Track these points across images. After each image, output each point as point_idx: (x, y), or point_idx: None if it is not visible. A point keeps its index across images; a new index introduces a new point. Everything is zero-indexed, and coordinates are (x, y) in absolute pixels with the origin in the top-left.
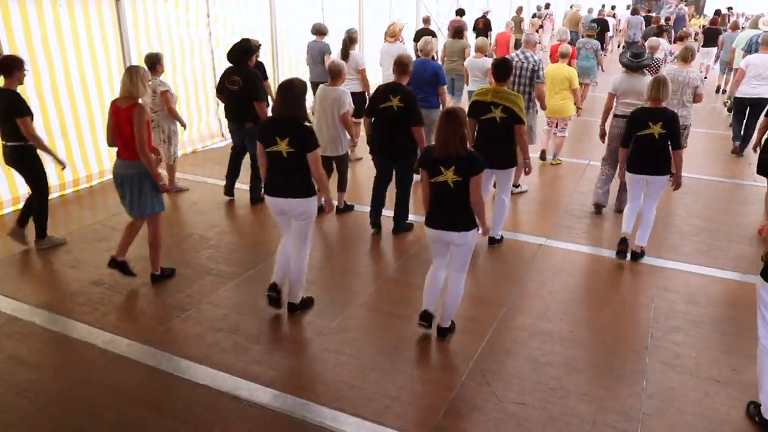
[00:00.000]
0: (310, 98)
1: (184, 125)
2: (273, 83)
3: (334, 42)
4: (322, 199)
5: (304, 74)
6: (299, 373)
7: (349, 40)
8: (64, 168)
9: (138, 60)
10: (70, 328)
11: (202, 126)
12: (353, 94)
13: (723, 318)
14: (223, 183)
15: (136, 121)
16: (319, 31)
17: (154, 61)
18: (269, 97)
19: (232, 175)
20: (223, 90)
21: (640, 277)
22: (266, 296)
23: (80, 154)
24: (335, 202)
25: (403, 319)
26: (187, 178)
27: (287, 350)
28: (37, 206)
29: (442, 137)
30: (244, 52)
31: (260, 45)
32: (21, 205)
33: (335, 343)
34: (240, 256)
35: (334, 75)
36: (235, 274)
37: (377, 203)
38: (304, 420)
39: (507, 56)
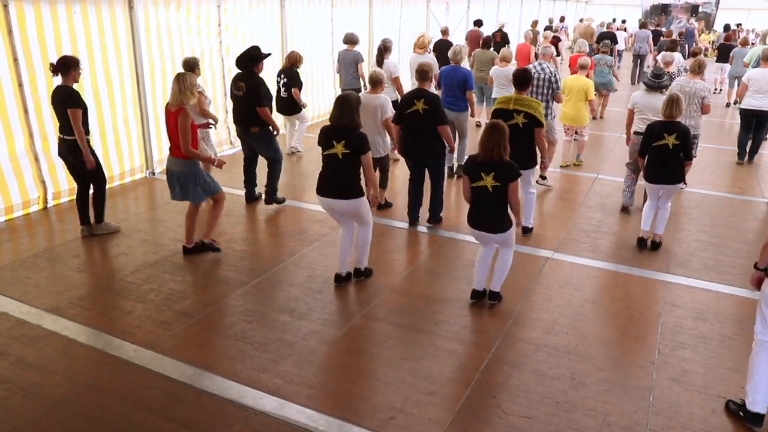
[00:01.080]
0: None
1: (215, 121)
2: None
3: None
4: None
5: (315, 82)
6: (305, 382)
7: (384, 49)
8: (88, 168)
9: (149, 67)
10: (77, 332)
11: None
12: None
13: (731, 335)
14: (232, 191)
15: (180, 124)
16: (351, 40)
17: (192, 65)
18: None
19: (250, 182)
20: (231, 95)
21: (648, 292)
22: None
23: None
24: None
25: (408, 330)
26: None
27: (293, 359)
28: (96, 193)
29: (487, 145)
30: (251, 59)
31: (302, 58)
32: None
33: (341, 352)
34: (248, 263)
35: (375, 83)
36: (242, 281)
37: (415, 201)
38: (308, 429)
39: (527, 67)
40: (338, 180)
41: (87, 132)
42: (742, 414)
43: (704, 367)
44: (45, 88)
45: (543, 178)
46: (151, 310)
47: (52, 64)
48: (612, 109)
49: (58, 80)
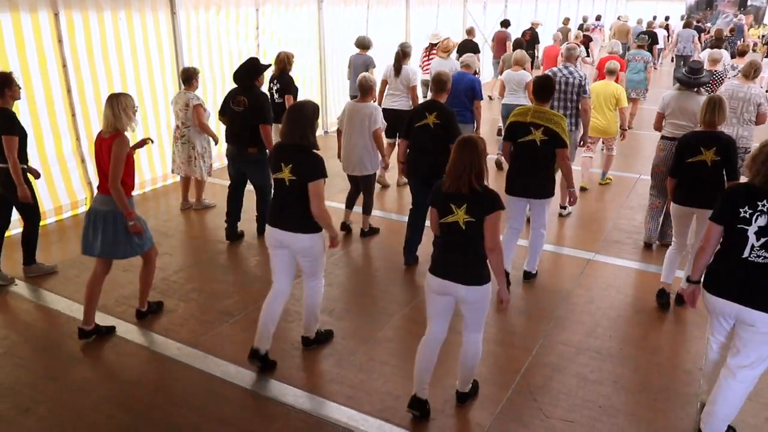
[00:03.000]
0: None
1: (216, 140)
2: (321, 96)
3: (380, 56)
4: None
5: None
6: (345, 381)
7: (402, 54)
8: (38, 177)
9: None
10: (123, 329)
11: None
12: (402, 113)
13: None
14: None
15: (114, 153)
16: (362, 44)
17: (190, 76)
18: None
19: (233, 214)
20: (226, 111)
21: None
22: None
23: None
24: (342, 237)
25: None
26: None
27: (333, 358)
28: (26, 231)
29: (454, 169)
30: (251, 73)
31: (292, 57)
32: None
33: (380, 353)
34: None
35: (365, 91)
36: None
37: (413, 235)
38: (348, 428)
39: (549, 73)
40: (288, 210)
41: (24, 161)
42: None
43: None
44: (92, 93)
45: (563, 207)
46: (193, 309)
47: None
48: (649, 107)
49: (104, 85)
